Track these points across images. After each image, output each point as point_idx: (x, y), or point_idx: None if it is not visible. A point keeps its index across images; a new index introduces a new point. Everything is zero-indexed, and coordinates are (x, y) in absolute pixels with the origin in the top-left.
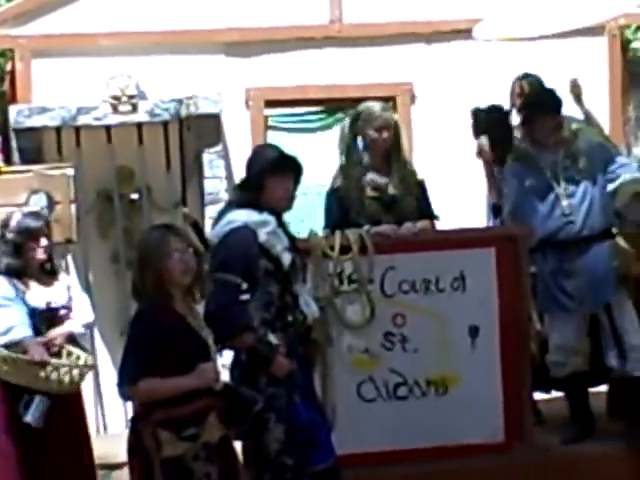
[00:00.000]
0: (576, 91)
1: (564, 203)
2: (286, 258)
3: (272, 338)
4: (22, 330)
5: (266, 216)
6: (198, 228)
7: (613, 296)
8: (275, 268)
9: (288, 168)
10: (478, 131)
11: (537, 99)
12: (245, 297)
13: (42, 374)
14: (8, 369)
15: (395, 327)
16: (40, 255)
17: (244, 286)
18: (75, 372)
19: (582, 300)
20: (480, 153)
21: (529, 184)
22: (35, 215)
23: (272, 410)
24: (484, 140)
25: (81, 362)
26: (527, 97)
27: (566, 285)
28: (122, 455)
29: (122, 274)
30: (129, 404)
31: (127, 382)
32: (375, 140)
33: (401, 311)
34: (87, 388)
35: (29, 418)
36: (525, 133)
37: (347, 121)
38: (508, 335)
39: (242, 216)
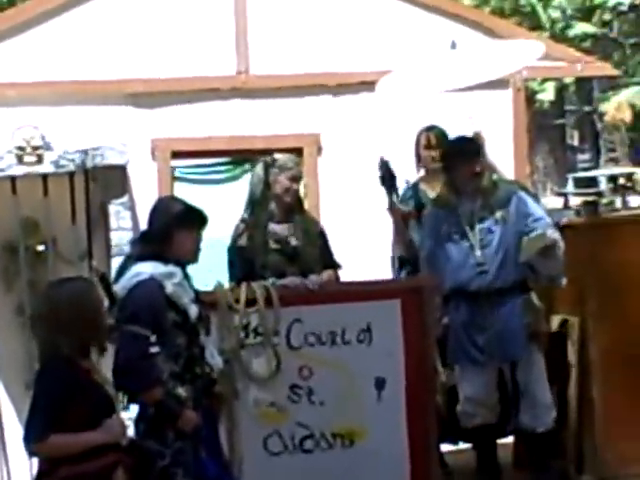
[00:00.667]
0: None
1: (478, 253)
2: (193, 310)
3: (180, 391)
4: None
5: (172, 268)
6: (106, 281)
7: (522, 353)
8: (182, 320)
9: (195, 221)
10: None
11: (456, 146)
12: (154, 350)
13: None
14: None
15: (301, 380)
16: None
17: (153, 338)
18: None
19: (492, 354)
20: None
21: (445, 231)
22: None
23: (179, 465)
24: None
25: None
26: (447, 144)
27: (477, 338)
28: None
29: (27, 327)
30: (35, 459)
31: (34, 438)
32: (287, 189)
33: (307, 364)
34: None
35: None
36: (446, 180)
37: (259, 168)
38: (414, 387)
39: (148, 268)
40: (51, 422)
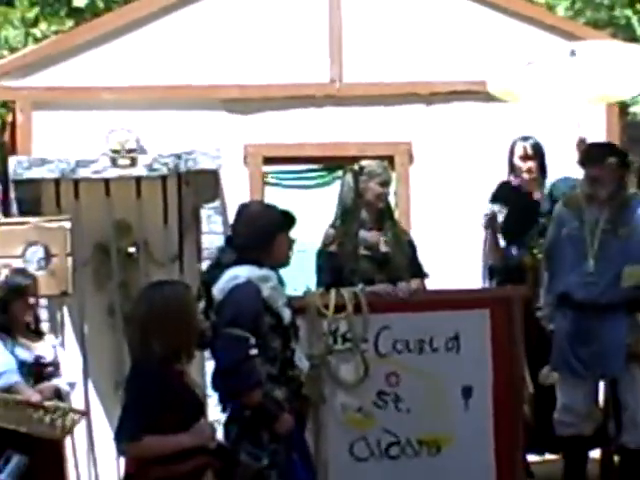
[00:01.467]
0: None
1: (590, 263)
2: (287, 313)
3: (278, 393)
4: (14, 376)
5: (268, 271)
6: (207, 285)
7: (621, 371)
8: (277, 323)
9: (292, 224)
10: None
11: (589, 147)
12: (254, 352)
13: (35, 416)
14: (1, 412)
15: (389, 386)
16: (26, 316)
17: (252, 341)
18: (68, 418)
19: (592, 368)
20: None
21: (565, 233)
22: (24, 273)
23: (274, 467)
24: (496, 207)
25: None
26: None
27: (579, 350)
28: None
29: (117, 327)
30: (122, 460)
31: (127, 438)
32: (378, 195)
33: (395, 370)
34: (79, 441)
35: (3, 477)
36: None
37: (348, 176)
38: (501, 396)
39: (245, 272)
40: (144, 423)
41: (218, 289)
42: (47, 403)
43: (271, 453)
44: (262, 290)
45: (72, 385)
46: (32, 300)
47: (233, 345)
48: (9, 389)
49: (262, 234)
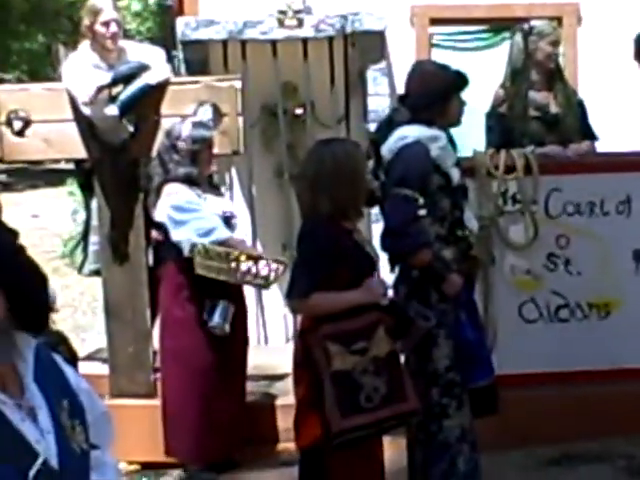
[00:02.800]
0: None
1: None
2: (455, 173)
3: (446, 253)
4: (225, 230)
5: (437, 131)
6: (376, 144)
7: None
8: (446, 183)
9: (465, 85)
10: None
11: None
12: (422, 212)
13: (253, 270)
14: (211, 264)
15: (558, 249)
16: (213, 165)
17: (421, 201)
18: (280, 268)
19: None
20: None
21: None
22: (205, 125)
23: (442, 326)
24: None
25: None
26: None
27: None
28: (283, 367)
29: (285, 188)
30: (290, 318)
31: (298, 295)
32: (549, 55)
33: (565, 233)
34: (249, 301)
35: (215, 322)
36: None
37: (518, 36)
38: None
39: (414, 131)
40: (315, 280)
41: (387, 149)
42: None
43: (439, 313)
44: (431, 150)
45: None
46: (215, 151)
47: (402, 205)
48: (224, 243)
49: (436, 94)
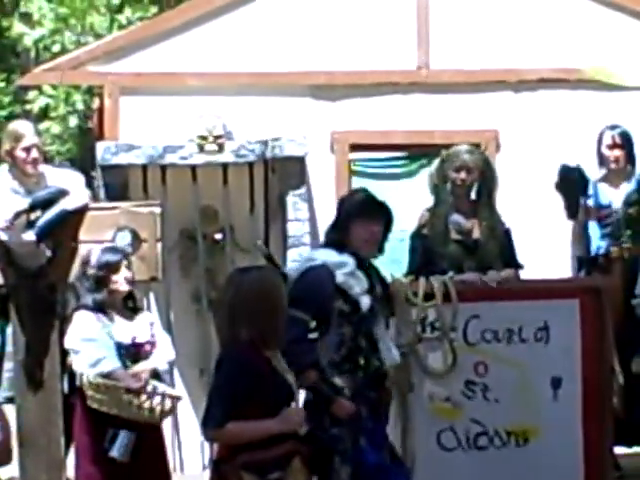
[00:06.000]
0: None
1: None
2: (365, 301)
3: (337, 380)
4: (112, 362)
5: (345, 257)
6: (273, 261)
7: None
8: (352, 310)
9: (374, 212)
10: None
11: None
12: (313, 336)
13: (135, 402)
14: (101, 397)
15: (477, 376)
16: (122, 287)
17: (312, 324)
18: (167, 402)
19: None
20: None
21: None
22: (113, 250)
23: (337, 452)
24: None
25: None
26: None
27: None
28: None
29: (203, 314)
30: (206, 445)
31: (213, 424)
32: (454, 180)
33: (483, 360)
34: (165, 427)
35: (115, 453)
36: None
37: (436, 161)
38: (590, 387)
39: (322, 255)
40: (231, 409)
41: (294, 268)
42: (148, 388)
43: (333, 438)
44: (336, 275)
45: (170, 363)
46: (126, 273)
47: (290, 326)
48: (109, 375)
49: (339, 217)
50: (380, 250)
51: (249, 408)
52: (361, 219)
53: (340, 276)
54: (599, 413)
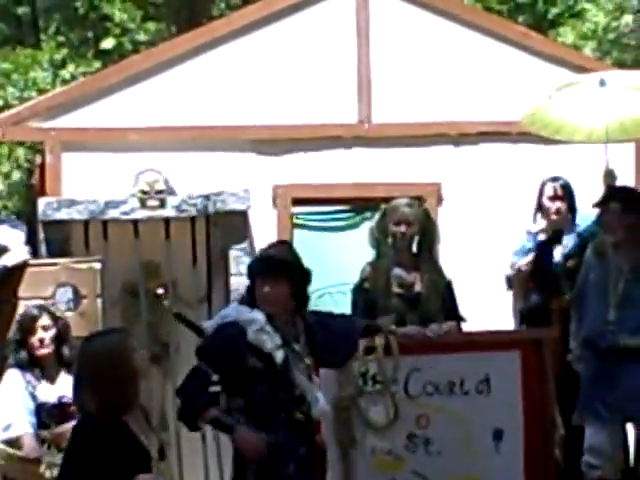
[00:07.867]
0: (609, 181)
1: (612, 312)
2: (279, 355)
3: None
4: (21, 427)
5: (255, 314)
6: (183, 319)
7: None
8: (265, 365)
9: (261, 270)
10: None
11: (615, 192)
12: (214, 389)
13: (38, 471)
14: (5, 464)
15: (419, 429)
16: (38, 351)
17: (214, 377)
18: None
19: (618, 412)
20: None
21: (592, 280)
22: (37, 308)
23: None
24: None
25: None
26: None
27: (604, 395)
28: None
29: (145, 368)
30: None
31: None
32: (394, 234)
33: (425, 413)
34: None
35: None
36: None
37: (377, 215)
38: (532, 439)
39: (234, 312)
40: (84, 476)
41: (209, 324)
42: (46, 458)
43: None
44: (247, 332)
45: None
46: (42, 334)
47: (189, 376)
48: (17, 440)
49: (248, 277)
50: (300, 305)
51: (103, 475)
52: (258, 277)
53: (251, 333)
54: (541, 465)
